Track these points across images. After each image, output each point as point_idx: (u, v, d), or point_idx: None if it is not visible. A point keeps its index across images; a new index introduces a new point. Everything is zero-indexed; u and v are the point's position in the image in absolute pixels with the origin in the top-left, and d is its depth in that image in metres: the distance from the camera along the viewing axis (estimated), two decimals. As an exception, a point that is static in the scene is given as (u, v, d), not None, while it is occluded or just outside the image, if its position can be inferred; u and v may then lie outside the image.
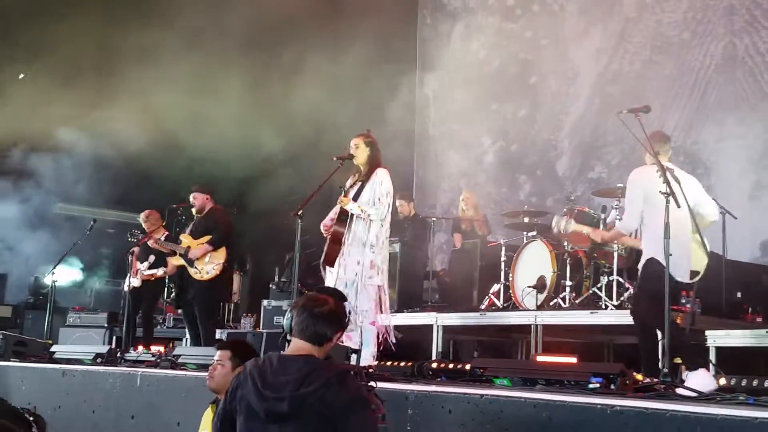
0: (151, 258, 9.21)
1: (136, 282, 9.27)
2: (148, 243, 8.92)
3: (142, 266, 9.31)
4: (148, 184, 11.23)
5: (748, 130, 9.51)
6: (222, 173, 10.15)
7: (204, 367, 6.17)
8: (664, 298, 5.46)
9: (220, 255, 8.41)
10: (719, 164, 9.64)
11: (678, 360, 5.69)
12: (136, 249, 9.43)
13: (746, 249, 8.80)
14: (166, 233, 9.31)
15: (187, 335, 9.03)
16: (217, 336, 8.59)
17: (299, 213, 6.58)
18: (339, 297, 3.63)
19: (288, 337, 3.55)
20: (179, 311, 9.72)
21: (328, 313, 3.48)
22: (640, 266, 5.88)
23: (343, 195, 6.62)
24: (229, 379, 4.41)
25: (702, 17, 10.18)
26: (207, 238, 8.41)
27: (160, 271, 9.33)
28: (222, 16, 10.25)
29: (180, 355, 7.20)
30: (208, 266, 8.37)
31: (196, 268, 8.37)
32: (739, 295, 7.54)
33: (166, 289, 10.76)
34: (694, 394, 4.78)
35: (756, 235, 9.11)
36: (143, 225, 9.49)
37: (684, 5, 10.38)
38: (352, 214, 6.58)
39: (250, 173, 10.26)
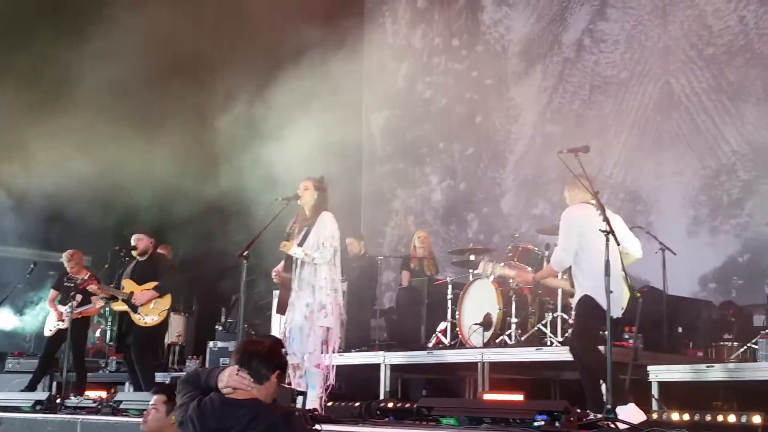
0: (78, 297, 9.06)
1: (63, 324, 9.11)
2: (89, 288, 8.77)
3: (65, 308, 9.12)
4: (86, 226, 11.06)
5: (685, 168, 9.78)
6: (164, 214, 10.06)
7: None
8: (600, 334, 5.60)
9: (166, 302, 8.34)
10: (658, 201, 9.87)
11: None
12: (51, 293, 9.38)
13: (686, 284, 8.99)
14: (89, 274, 9.24)
15: (129, 380, 8.87)
16: (160, 379, 8.44)
17: (244, 254, 6.55)
18: (275, 340, 3.74)
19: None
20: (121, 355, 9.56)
21: (266, 352, 3.52)
22: (573, 303, 5.95)
23: (285, 239, 6.57)
24: (163, 424, 4.40)
25: (639, 57, 10.48)
26: (153, 284, 8.33)
27: (98, 305, 9.25)
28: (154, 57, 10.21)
29: (122, 401, 7.05)
30: (152, 313, 8.29)
31: (139, 314, 8.26)
32: (680, 330, 7.69)
33: (100, 330, 10.65)
34: (636, 430, 4.85)
35: (695, 270, 9.32)
36: (66, 265, 9.37)
37: (621, 46, 10.68)
38: (298, 259, 6.55)
39: (193, 214, 10.17)
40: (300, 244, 6.55)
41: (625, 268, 5.77)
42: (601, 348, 5.55)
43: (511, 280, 7.76)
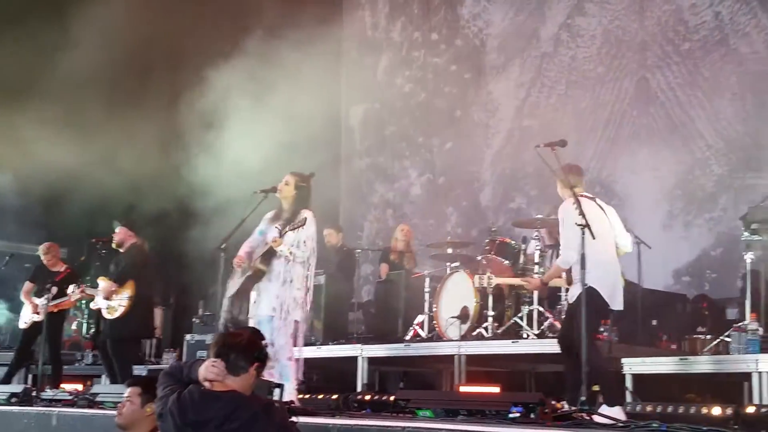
0: (54, 289, 9.02)
1: (38, 317, 9.07)
2: (78, 295, 8.78)
3: (41, 300, 9.07)
4: (64, 218, 10.99)
5: (661, 162, 9.87)
6: (143, 206, 10.01)
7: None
8: (590, 327, 5.61)
9: (127, 290, 8.30)
10: (633, 195, 9.96)
11: (596, 388, 5.83)
12: (27, 285, 9.35)
13: (660, 277, 9.08)
14: (65, 266, 9.16)
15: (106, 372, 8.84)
16: (137, 372, 8.42)
17: (222, 247, 6.53)
18: (254, 332, 3.72)
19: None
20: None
21: (245, 344, 3.52)
22: (571, 295, 5.88)
23: (278, 236, 6.47)
24: (138, 416, 4.41)
25: (616, 52, 10.56)
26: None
27: (74, 298, 9.21)
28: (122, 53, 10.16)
29: (98, 394, 7.02)
30: (115, 303, 8.28)
31: (107, 307, 8.29)
32: (654, 322, 7.78)
33: (76, 323, 10.61)
34: (610, 422, 4.91)
35: (669, 263, 9.42)
36: (42, 258, 9.33)
37: (598, 41, 10.75)
38: (275, 252, 6.51)
39: (172, 206, 10.13)
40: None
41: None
42: None
43: (488, 273, 7.83)
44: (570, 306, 5.97)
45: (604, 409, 5.38)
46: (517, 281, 6.84)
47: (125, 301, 8.25)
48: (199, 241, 8.73)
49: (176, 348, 10.53)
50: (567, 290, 6.54)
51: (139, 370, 8.85)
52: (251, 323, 6.42)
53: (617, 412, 5.35)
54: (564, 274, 6.16)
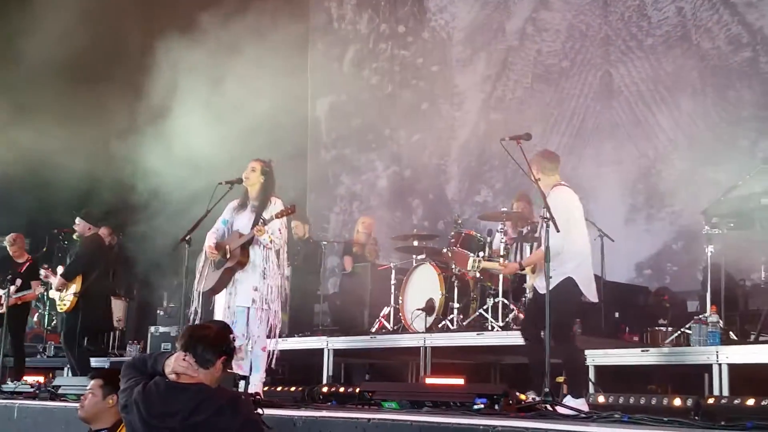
0: (18, 281, 8.92)
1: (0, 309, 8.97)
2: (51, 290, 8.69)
3: (3, 292, 8.95)
4: (29, 209, 10.83)
5: (624, 156, 9.98)
6: (107, 197, 9.90)
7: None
8: (568, 318, 5.75)
9: (75, 284, 8.24)
10: (598, 189, 10.06)
11: (560, 379, 5.90)
12: None
13: (623, 270, 9.20)
14: (29, 257, 9.09)
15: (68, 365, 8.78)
16: (97, 364, 8.37)
17: (187, 239, 6.48)
18: (223, 326, 3.72)
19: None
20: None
21: (212, 337, 3.51)
22: (541, 286, 5.81)
23: (261, 224, 6.43)
24: (100, 409, 4.39)
25: (580, 47, 10.65)
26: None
27: (38, 290, 9.09)
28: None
29: (60, 386, 6.95)
30: (66, 297, 8.27)
31: (59, 300, 8.31)
32: (617, 315, 7.86)
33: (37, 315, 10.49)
34: (573, 413, 4.97)
35: (631, 256, 9.54)
36: (9, 249, 9.24)
37: (563, 35, 10.83)
38: (250, 241, 6.48)
39: (135, 197, 10.02)
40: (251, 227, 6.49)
41: None
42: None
43: (453, 265, 7.86)
44: (540, 297, 5.91)
45: (569, 400, 5.45)
46: (495, 266, 6.85)
47: (70, 297, 8.23)
48: (163, 232, 8.66)
49: (140, 340, 10.43)
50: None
51: (101, 363, 8.77)
52: (225, 314, 6.39)
53: (581, 404, 5.43)
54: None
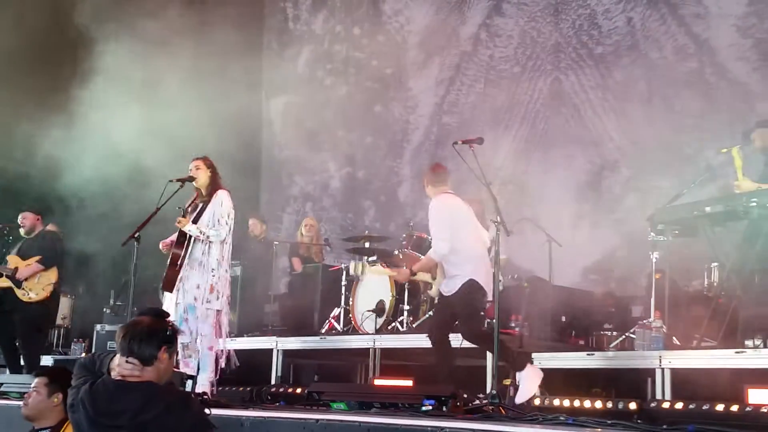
0: None
1: None
2: None
3: None
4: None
5: (572, 162, 10.12)
6: (51, 192, 9.73)
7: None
8: (477, 319, 6.01)
9: (51, 275, 8.09)
10: (546, 193, 10.19)
11: (507, 381, 6.00)
12: None
13: (569, 275, 9.31)
14: None
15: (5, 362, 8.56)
16: (45, 362, 8.21)
17: (135, 235, 6.43)
18: (156, 314, 3.62)
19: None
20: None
21: (146, 331, 3.45)
22: (451, 288, 6.10)
23: (181, 216, 6.50)
24: (45, 407, 4.34)
25: (531, 53, 10.78)
26: (37, 258, 8.07)
27: None
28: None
29: (2, 384, 6.81)
30: (37, 288, 8.04)
31: (23, 289, 8.00)
32: (564, 318, 7.98)
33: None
34: (519, 414, 5.05)
35: (577, 261, 9.66)
36: None
37: (515, 41, 10.95)
38: (191, 237, 6.48)
39: (82, 192, 9.87)
40: (194, 222, 6.48)
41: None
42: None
43: (404, 267, 7.89)
44: (445, 300, 6.20)
45: (520, 378, 5.60)
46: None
47: (49, 287, 8.08)
48: (111, 229, 8.56)
49: (85, 338, 10.26)
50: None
51: (45, 360, 8.61)
52: (177, 312, 6.36)
53: (529, 371, 5.72)
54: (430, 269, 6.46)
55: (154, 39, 9.42)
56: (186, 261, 6.48)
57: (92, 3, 10.01)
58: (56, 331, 10.74)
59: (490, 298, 6.20)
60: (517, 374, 5.80)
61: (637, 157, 9.70)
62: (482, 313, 6.27)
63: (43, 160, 9.40)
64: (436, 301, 6.87)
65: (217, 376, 6.57)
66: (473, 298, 6.00)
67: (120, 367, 3.41)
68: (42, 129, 9.43)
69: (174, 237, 6.63)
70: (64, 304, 10.70)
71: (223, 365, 6.58)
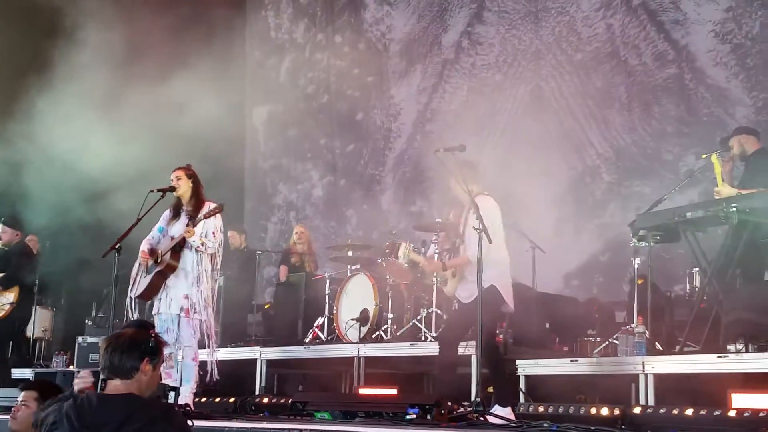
0: None
1: None
2: None
3: None
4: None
5: (554, 169, 10.16)
6: (33, 204, 9.65)
7: (6, 409, 5.83)
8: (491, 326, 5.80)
9: (11, 294, 8.06)
10: (528, 200, 10.21)
11: (491, 389, 5.99)
12: None
13: (552, 281, 9.34)
14: None
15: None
16: (21, 376, 8.16)
17: (117, 247, 6.39)
18: (138, 325, 3.58)
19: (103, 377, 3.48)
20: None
21: (128, 343, 3.42)
22: (466, 296, 5.94)
23: (191, 225, 6.39)
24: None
25: (512, 61, 10.82)
26: None
27: None
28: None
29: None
30: None
31: None
32: (547, 325, 7.99)
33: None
34: (503, 422, 5.05)
35: (560, 267, 9.70)
36: None
37: (496, 49, 10.99)
38: (183, 247, 6.42)
39: (64, 204, 9.80)
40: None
41: None
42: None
43: (387, 276, 7.89)
44: (462, 306, 6.07)
45: (497, 409, 5.53)
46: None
47: (7, 307, 8.07)
48: (93, 240, 8.50)
49: (67, 351, 10.17)
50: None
51: (25, 374, 8.53)
52: (157, 321, 6.31)
53: (508, 413, 5.52)
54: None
55: (135, 48, 9.39)
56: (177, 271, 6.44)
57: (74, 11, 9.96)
58: (37, 344, 10.62)
59: (511, 307, 6.04)
60: (498, 407, 5.64)
61: (618, 164, 9.76)
62: (502, 325, 6.12)
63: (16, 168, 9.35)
64: (454, 307, 6.73)
65: (200, 387, 6.53)
66: (491, 305, 5.72)
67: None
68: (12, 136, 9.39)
69: (147, 247, 6.52)
70: (45, 317, 10.60)
71: (216, 377, 6.54)
